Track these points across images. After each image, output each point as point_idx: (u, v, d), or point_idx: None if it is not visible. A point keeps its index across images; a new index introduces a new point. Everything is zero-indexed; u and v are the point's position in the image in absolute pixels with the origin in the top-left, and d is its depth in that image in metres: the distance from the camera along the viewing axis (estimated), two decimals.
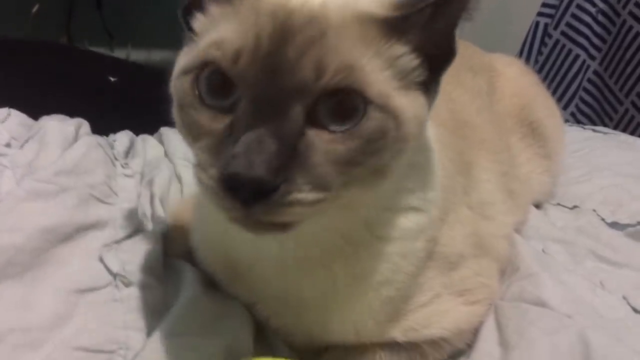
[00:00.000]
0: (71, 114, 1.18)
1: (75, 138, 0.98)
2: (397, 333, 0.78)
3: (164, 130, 1.29)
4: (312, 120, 0.57)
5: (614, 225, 1.15)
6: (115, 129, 1.28)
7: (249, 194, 0.54)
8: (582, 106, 2.27)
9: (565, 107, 2.24)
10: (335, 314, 0.74)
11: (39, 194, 0.83)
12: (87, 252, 0.81)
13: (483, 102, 1.07)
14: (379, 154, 0.60)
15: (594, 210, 1.18)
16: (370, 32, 0.61)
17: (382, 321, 0.77)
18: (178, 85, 0.63)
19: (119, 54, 2.54)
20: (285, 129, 0.56)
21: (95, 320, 0.74)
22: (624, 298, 0.93)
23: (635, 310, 0.91)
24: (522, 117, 1.17)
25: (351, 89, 0.58)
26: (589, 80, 2.24)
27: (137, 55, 2.54)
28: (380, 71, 0.60)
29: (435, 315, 0.80)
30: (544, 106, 1.23)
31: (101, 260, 0.81)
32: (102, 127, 1.23)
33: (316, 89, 0.57)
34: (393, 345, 0.79)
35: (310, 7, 0.60)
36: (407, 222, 0.73)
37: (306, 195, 0.56)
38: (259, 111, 0.56)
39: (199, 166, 0.59)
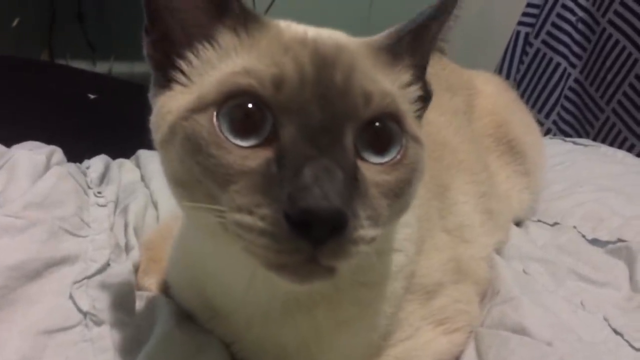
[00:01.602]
0: (48, 133, 1.16)
1: (47, 167, 0.95)
2: None
3: (141, 153, 1.27)
4: (359, 154, 0.56)
5: (595, 242, 1.14)
6: (93, 150, 1.25)
7: (322, 231, 0.49)
8: (564, 114, 2.28)
9: (547, 116, 2.25)
10: (318, 350, 0.71)
11: (7, 230, 0.81)
12: (57, 289, 0.79)
13: (461, 122, 1.06)
14: (417, 184, 0.61)
15: (575, 227, 1.18)
16: (383, 60, 0.63)
17: (359, 353, 0.75)
18: (188, 127, 0.55)
19: (102, 66, 2.53)
20: (344, 158, 0.53)
21: None
22: (605, 319, 0.93)
23: (615, 332, 0.91)
24: (499, 135, 1.17)
25: (395, 116, 0.58)
26: (570, 89, 2.26)
27: (120, 67, 2.52)
28: (402, 99, 0.62)
29: (415, 349, 0.79)
30: (522, 123, 1.23)
31: (71, 297, 0.78)
32: (79, 149, 1.21)
33: (365, 114, 0.56)
34: None
35: (333, 37, 0.62)
36: (387, 265, 0.72)
37: (367, 232, 0.53)
38: (314, 140, 0.52)
39: (238, 210, 0.52)
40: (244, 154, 0.53)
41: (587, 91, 2.21)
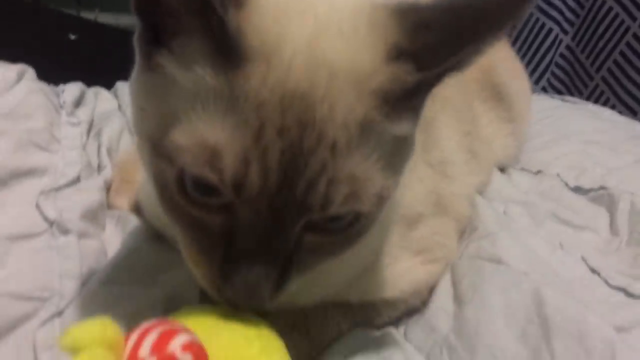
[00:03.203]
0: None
1: (17, 83, 0.92)
2: (352, 296, 0.77)
3: (120, 85, 1.23)
4: (307, 227, 0.53)
5: (577, 189, 1.14)
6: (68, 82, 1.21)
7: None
8: (553, 81, 2.27)
9: (537, 82, 2.24)
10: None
11: None
12: (23, 199, 0.77)
13: None
14: (364, 235, 0.58)
15: (558, 175, 1.17)
16: (376, 117, 0.50)
17: (339, 286, 0.75)
18: (155, 167, 0.52)
19: (86, 16, 2.46)
20: (285, 251, 0.52)
21: (29, 268, 0.70)
22: (583, 259, 0.92)
23: (592, 270, 0.90)
24: (485, 79, 1.14)
25: (351, 213, 0.53)
26: (561, 55, 2.24)
27: (105, 18, 2.46)
28: (378, 163, 0.52)
29: (392, 276, 0.78)
30: (509, 68, 1.21)
31: (38, 207, 0.76)
32: (54, 79, 1.16)
33: (319, 217, 0.51)
34: (345, 303, 0.77)
35: (321, 112, 0.48)
36: None
37: (292, 288, 0.56)
38: (259, 238, 0.50)
39: (190, 257, 0.56)
40: (205, 212, 0.51)
41: (578, 58, 2.20)
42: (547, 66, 2.24)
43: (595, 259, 0.92)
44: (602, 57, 2.09)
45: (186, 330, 0.48)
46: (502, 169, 1.20)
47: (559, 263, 0.90)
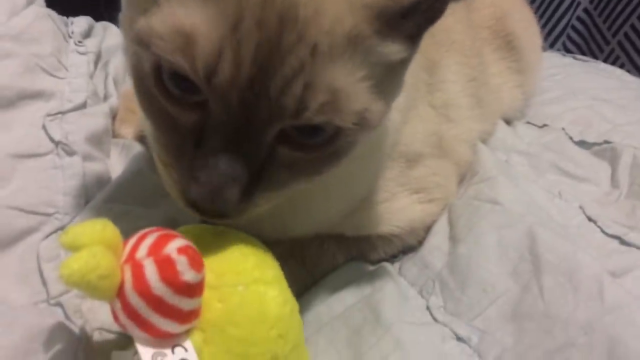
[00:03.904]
0: None
1: (25, 8, 0.92)
2: (348, 229, 0.78)
3: None
4: (281, 137, 0.51)
5: (581, 143, 1.13)
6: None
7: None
8: (569, 44, 2.23)
9: (552, 44, 2.20)
10: (289, 211, 0.69)
11: None
12: (30, 120, 0.78)
13: (457, 5, 1.02)
14: (343, 158, 0.56)
15: (563, 129, 1.17)
16: (365, 31, 0.49)
17: (334, 218, 0.75)
18: (133, 57, 0.51)
19: None
20: (255, 156, 0.50)
21: (34, 184, 0.71)
22: (580, 207, 0.93)
23: (589, 219, 0.91)
24: (497, 28, 1.13)
25: (328, 124, 0.50)
26: (578, 18, 2.20)
27: None
28: (364, 82, 0.51)
29: (388, 212, 0.79)
30: (522, 19, 1.19)
31: (44, 128, 0.77)
32: (63, 12, 1.16)
33: (293, 122, 0.50)
34: (342, 236, 0.79)
35: (305, 12, 0.46)
36: (372, 138, 0.66)
37: (263, 204, 0.54)
38: (229, 136, 0.49)
39: (160, 158, 0.54)
40: (181, 109, 0.50)
41: (595, 22, 2.16)
42: (564, 29, 2.20)
43: (593, 209, 0.93)
44: (619, 21, 2.06)
45: (183, 237, 0.50)
46: (508, 122, 1.20)
47: (557, 210, 0.91)
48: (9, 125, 0.76)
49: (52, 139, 0.76)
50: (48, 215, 0.69)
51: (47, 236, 0.67)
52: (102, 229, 0.46)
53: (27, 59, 0.82)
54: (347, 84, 0.49)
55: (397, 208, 0.80)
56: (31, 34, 0.86)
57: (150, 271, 0.44)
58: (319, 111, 0.48)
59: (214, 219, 0.52)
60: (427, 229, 0.85)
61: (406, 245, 0.84)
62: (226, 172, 0.49)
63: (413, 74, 0.80)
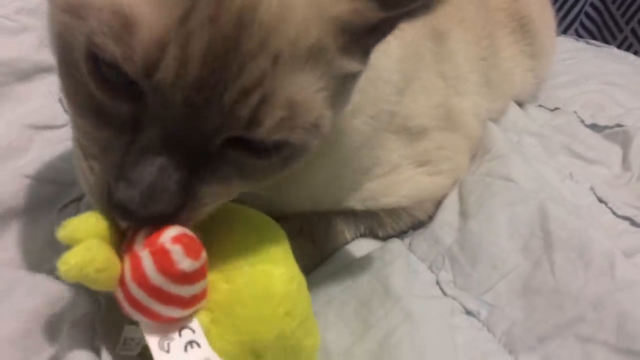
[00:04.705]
0: None
1: None
2: (355, 202, 0.77)
3: None
4: (229, 142, 0.45)
5: (593, 127, 1.13)
6: None
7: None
8: (582, 31, 2.21)
9: (565, 31, 2.19)
10: (291, 185, 0.67)
11: None
12: (46, 93, 0.79)
13: None
14: (294, 163, 0.52)
15: (575, 112, 1.17)
16: (330, 45, 0.45)
17: (338, 192, 0.76)
18: (60, 26, 0.43)
19: None
20: (194, 161, 0.45)
21: (49, 155, 0.72)
22: (591, 189, 0.93)
23: (600, 200, 0.91)
24: (512, 10, 1.12)
25: (280, 142, 0.46)
26: (592, 5, 2.18)
27: None
28: (320, 93, 0.47)
29: (394, 184, 0.79)
30: (537, 2, 1.18)
31: (60, 101, 0.78)
32: None
33: (244, 135, 0.45)
34: (350, 213, 0.79)
35: (268, 15, 0.41)
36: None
37: (210, 201, 0.48)
38: (169, 134, 0.43)
39: (80, 145, 0.47)
40: (113, 94, 0.43)
41: (609, 9, 2.14)
42: (577, 15, 2.18)
43: (603, 190, 0.93)
44: (633, 8, 2.04)
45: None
46: (520, 105, 1.19)
47: (568, 190, 0.91)
48: (25, 98, 0.77)
49: (67, 112, 0.77)
50: (66, 185, 0.70)
51: (66, 205, 0.68)
52: (95, 222, 0.46)
53: (44, 32, 0.83)
54: (305, 96, 0.45)
55: (402, 179, 0.80)
56: None
57: (147, 263, 0.43)
58: (273, 128, 0.44)
59: (145, 224, 0.45)
60: (437, 203, 0.85)
61: (415, 220, 0.84)
62: (162, 171, 0.43)
63: (412, 44, 0.77)
